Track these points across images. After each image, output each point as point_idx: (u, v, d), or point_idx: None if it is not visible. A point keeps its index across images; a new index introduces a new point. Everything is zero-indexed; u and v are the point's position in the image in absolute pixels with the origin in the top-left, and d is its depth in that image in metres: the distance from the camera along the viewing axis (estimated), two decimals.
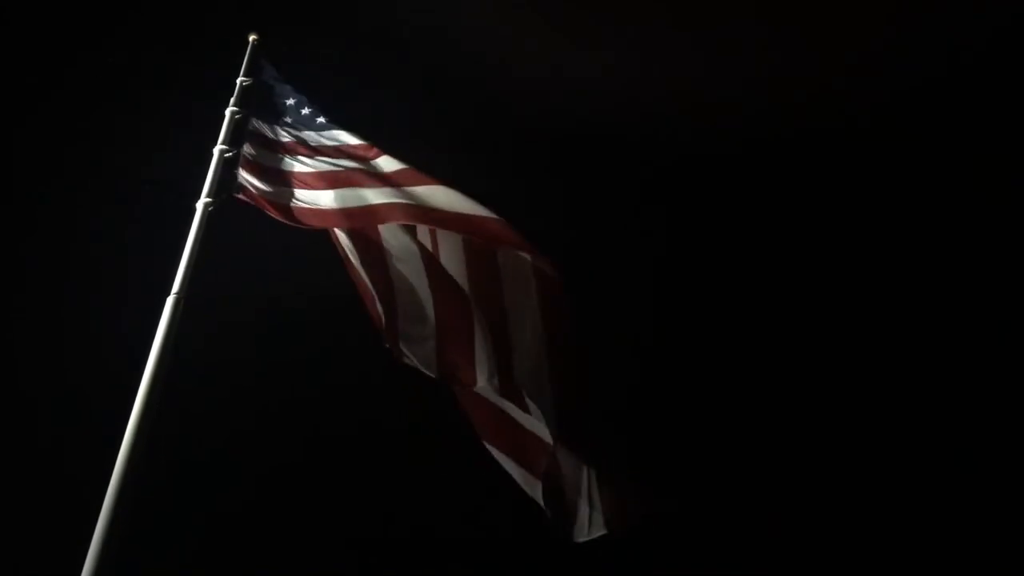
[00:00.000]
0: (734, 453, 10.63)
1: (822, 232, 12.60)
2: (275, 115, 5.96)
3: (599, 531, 5.28)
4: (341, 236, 5.59)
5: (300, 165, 5.70)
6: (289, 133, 5.89)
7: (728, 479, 10.40)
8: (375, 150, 5.74)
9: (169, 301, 4.93)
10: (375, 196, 5.42)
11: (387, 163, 5.64)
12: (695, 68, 11.73)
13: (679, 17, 11.41)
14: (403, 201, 5.35)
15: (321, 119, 5.96)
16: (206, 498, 8.91)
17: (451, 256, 5.47)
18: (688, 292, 11.92)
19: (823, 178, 12.50)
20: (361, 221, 5.41)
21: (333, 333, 9.50)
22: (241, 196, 5.54)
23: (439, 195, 5.39)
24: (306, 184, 5.60)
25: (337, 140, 5.84)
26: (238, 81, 6.01)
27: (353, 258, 5.54)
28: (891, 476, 10.92)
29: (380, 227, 5.47)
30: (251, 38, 6.20)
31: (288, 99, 6.04)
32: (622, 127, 12.05)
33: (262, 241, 6.42)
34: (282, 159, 5.76)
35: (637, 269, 11.84)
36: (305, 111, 6.00)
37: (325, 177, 5.57)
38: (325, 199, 5.48)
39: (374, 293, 5.38)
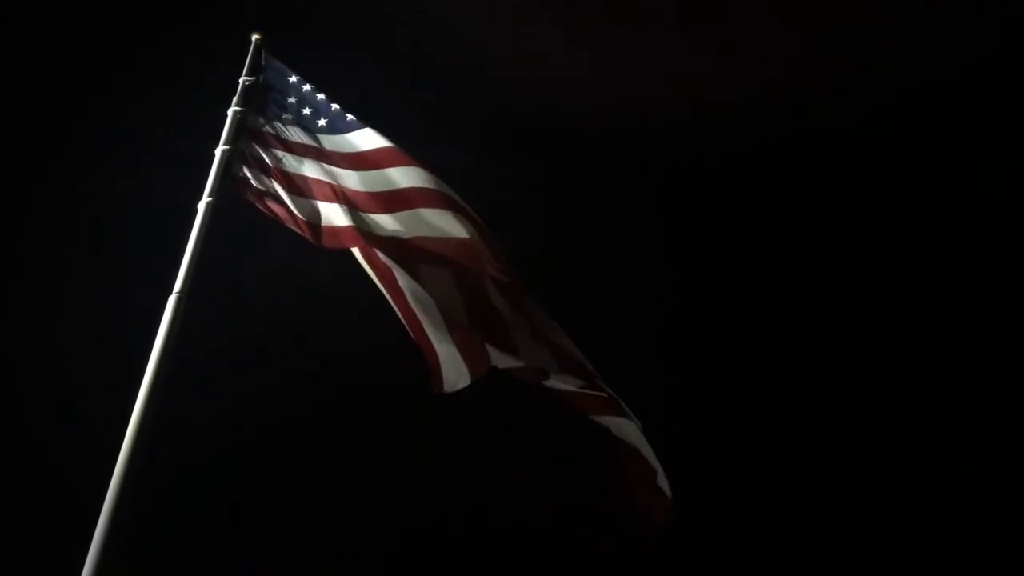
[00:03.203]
0: (737, 455, 10.64)
1: (824, 233, 12.61)
2: (279, 114, 5.94)
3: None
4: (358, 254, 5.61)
5: (305, 169, 5.69)
6: (293, 133, 5.87)
7: (730, 481, 10.41)
8: (387, 156, 5.74)
9: (171, 300, 4.94)
10: (377, 226, 5.45)
11: (399, 175, 5.67)
12: (696, 68, 11.74)
13: (680, 17, 11.41)
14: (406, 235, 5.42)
15: (322, 121, 5.93)
16: (207, 498, 8.90)
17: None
18: (690, 293, 11.93)
19: (824, 179, 12.51)
20: (369, 243, 5.42)
21: (335, 332, 9.51)
22: (245, 196, 5.54)
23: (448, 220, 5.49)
24: (309, 191, 5.60)
25: (346, 145, 5.82)
26: (241, 80, 6.00)
27: (376, 276, 5.56)
28: (891, 476, 10.93)
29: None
30: (254, 37, 6.19)
31: (291, 97, 6.02)
32: (622, 128, 12.06)
33: (264, 240, 6.41)
34: (283, 159, 5.74)
35: (638, 269, 11.84)
36: (306, 111, 5.98)
37: (334, 190, 5.57)
38: (335, 213, 5.49)
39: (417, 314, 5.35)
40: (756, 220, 12.61)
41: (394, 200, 5.58)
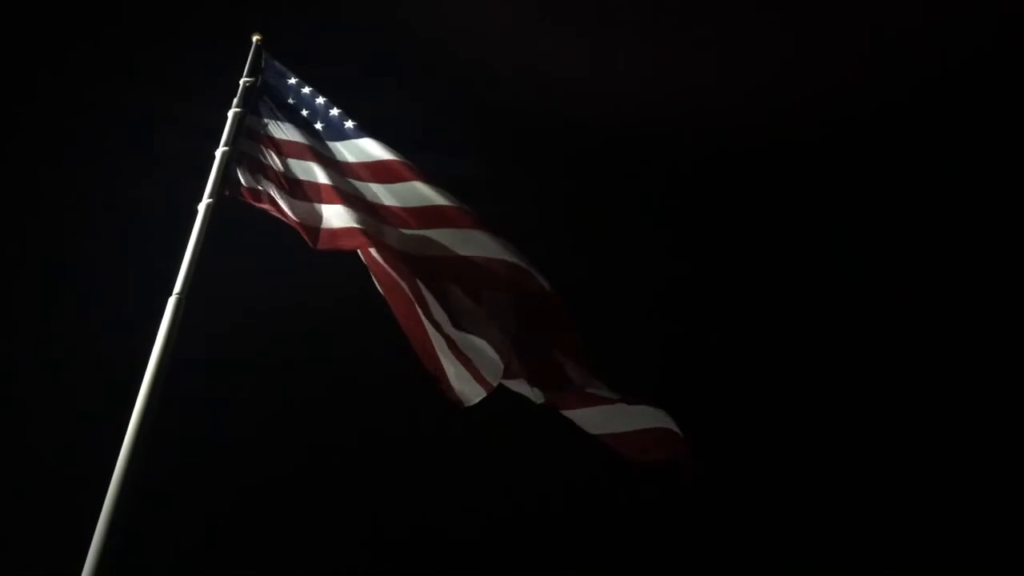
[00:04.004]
0: (736, 454, 10.64)
1: (823, 233, 12.63)
2: (279, 115, 5.94)
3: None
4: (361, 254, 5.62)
5: (304, 170, 5.70)
6: (293, 134, 5.87)
7: (734, 482, 10.41)
8: (380, 170, 5.74)
9: (171, 301, 4.93)
10: (395, 237, 5.45)
11: (389, 191, 5.67)
12: (697, 69, 11.74)
13: (680, 18, 11.42)
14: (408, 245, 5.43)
15: (319, 124, 5.94)
16: (206, 498, 8.91)
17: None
18: (690, 291, 11.94)
19: (824, 178, 12.53)
20: (378, 250, 5.41)
21: (335, 333, 9.51)
22: (245, 197, 5.54)
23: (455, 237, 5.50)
24: (308, 193, 5.60)
25: (361, 154, 5.83)
26: (241, 82, 5.99)
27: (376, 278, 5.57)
28: (890, 476, 10.94)
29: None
30: (255, 38, 6.18)
31: (291, 99, 6.02)
32: (622, 128, 12.06)
33: (264, 241, 6.42)
34: (283, 160, 5.75)
35: (637, 268, 11.85)
36: (305, 109, 5.99)
37: (337, 192, 5.57)
38: (335, 215, 5.49)
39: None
40: (756, 219, 12.63)
41: (425, 215, 5.57)
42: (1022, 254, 12.09)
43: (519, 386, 5.31)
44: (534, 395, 5.28)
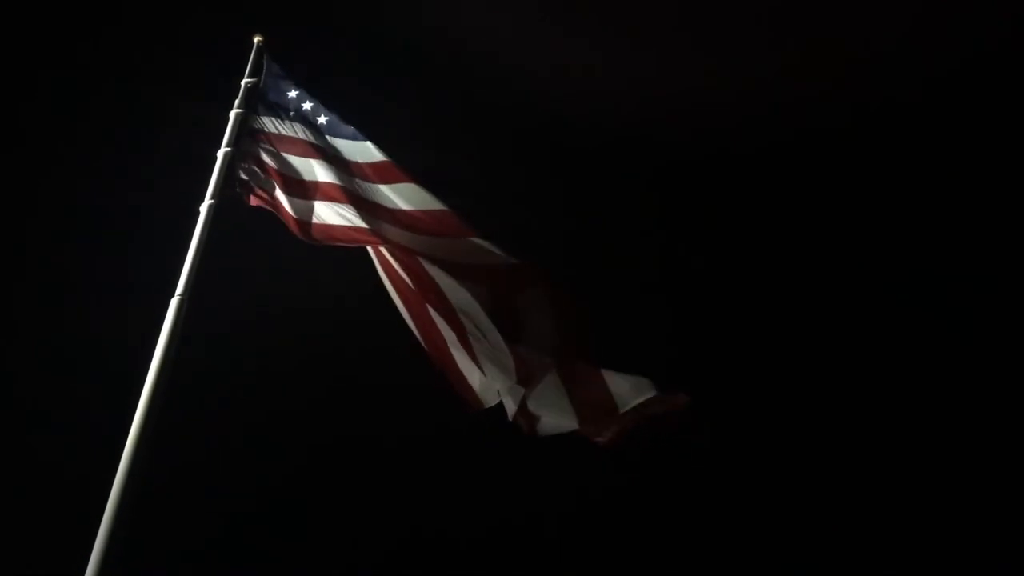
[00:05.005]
0: (735, 458, 10.66)
1: (823, 233, 12.64)
2: (280, 116, 5.95)
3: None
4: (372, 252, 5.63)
5: (305, 170, 5.71)
6: (294, 133, 5.89)
7: (728, 482, 10.43)
8: (380, 171, 5.75)
9: (173, 302, 4.95)
10: (408, 239, 5.46)
11: (390, 192, 5.68)
12: (697, 68, 11.75)
13: (682, 18, 11.43)
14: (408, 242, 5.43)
15: (323, 120, 5.95)
16: (208, 500, 8.91)
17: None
18: (687, 293, 11.95)
19: (822, 180, 12.54)
20: (381, 244, 5.41)
21: (336, 334, 9.52)
22: (247, 198, 5.56)
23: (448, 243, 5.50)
24: (310, 192, 5.62)
25: (346, 152, 5.84)
26: (243, 83, 6.01)
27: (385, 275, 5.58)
28: (889, 476, 10.97)
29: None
30: (256, 39, 6.19)
31: (292, 99, 6.04)
32: (622, 128, 12.07)
33: (266, 243, 6.43)
34: (284, 159, 5.76)
35: (636, 268, 11.85)
36: (306, 107, 6.00)
37: (338, 191, 5.58)
38: (337, 213, 5.50)
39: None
40: (756, 220, 12.64)
41: (432, 218, 5.58)
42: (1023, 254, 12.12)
43: (508, 399, 5.26)
44: (511, 415, 5.23)
